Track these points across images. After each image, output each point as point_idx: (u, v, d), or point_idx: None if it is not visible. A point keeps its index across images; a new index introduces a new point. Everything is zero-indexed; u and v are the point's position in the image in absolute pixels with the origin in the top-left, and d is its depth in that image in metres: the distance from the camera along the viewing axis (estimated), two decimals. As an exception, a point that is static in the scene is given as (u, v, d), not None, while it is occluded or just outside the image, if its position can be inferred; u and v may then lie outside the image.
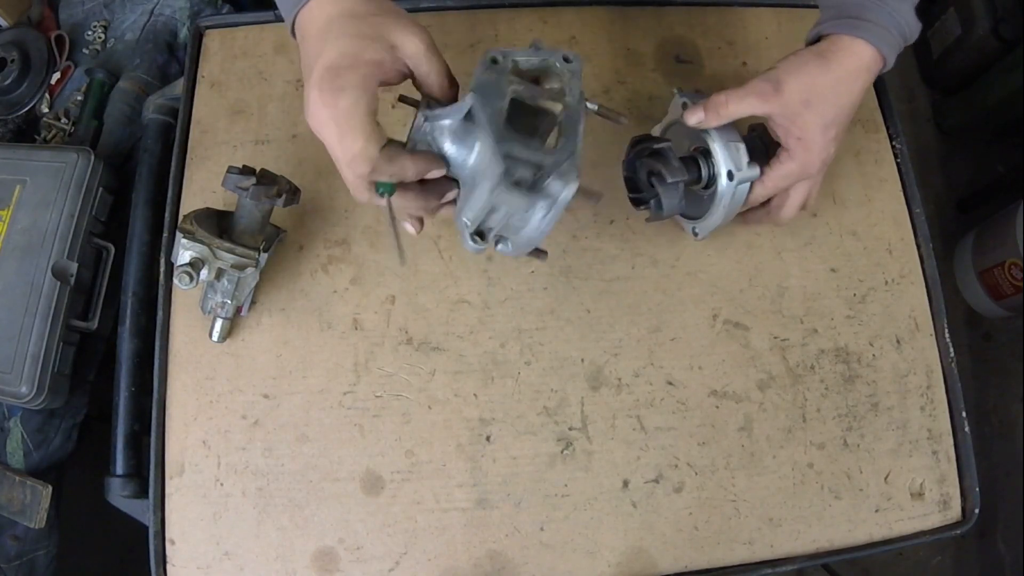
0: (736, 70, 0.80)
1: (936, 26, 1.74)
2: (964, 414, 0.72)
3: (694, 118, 0.59)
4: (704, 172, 0.63)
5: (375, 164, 0.48)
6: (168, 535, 0.66)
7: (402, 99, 0.54)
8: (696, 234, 0.69)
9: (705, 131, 0.61)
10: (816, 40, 0.59)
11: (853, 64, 0.56)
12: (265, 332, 0.71)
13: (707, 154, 0.63)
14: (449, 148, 0.50)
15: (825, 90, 0.56)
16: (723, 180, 0.61)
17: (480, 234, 0.51)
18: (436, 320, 0.71)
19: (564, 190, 0.48)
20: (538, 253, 0.55)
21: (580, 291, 0.72)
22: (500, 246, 0.53)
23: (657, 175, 0.62)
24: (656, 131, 0.70)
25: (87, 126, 0.86)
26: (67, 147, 0.79)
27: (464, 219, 0.50)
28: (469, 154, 0.50)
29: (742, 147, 0.61)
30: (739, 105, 0.57)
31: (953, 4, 1.66)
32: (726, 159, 0.60)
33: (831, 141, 0.59)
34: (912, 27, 0.57)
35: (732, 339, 0.72)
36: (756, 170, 0.61)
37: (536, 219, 0.50)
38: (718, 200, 0.63)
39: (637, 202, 0.67)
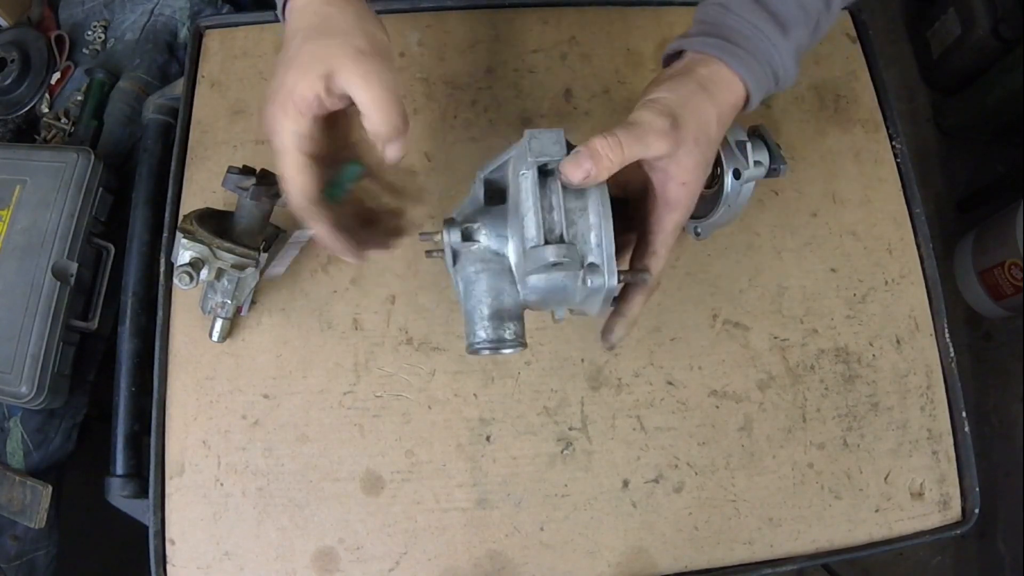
0: (736, 70, 0.80)
1: (936, 26, 1.74)
2: (964, 414, 0.72)
3: (579, 173, 0.45)
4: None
5: (299, 208, 0.49)
6: (168, 535, 0.66)
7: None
8: (698, 234, 0.69)
9: None
10: (676, 54, 0.52)
11: (731, 101, 0.49)
12: (265, 332, 0.71)
13: None
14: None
15: (711, 128, 0.48)
16: (728, 178, 0.60)
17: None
18: (436, 320, 0.71)
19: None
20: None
21: (580, 291, 0.72)
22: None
23: None
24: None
25: (87, 126, 0.86)
26: (67, 147, 0.79)
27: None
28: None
29: (748, 145, 0.60)
30: (636, 148, 0.46)
31: (953, 4, 1.66)
32: (732, 157, 0.60)
33: (699, 183, 0.50)
34: (789, 73, 0.50)
35: (732, 339, 0.72)
36: (762, 169, 0.60)
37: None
38: (723, 199, 0.62)
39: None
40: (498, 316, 0.49)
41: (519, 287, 0.49)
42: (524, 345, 0.50)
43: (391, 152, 0.49)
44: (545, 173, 0.47)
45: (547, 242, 0.45)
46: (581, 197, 0.47)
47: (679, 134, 0.47)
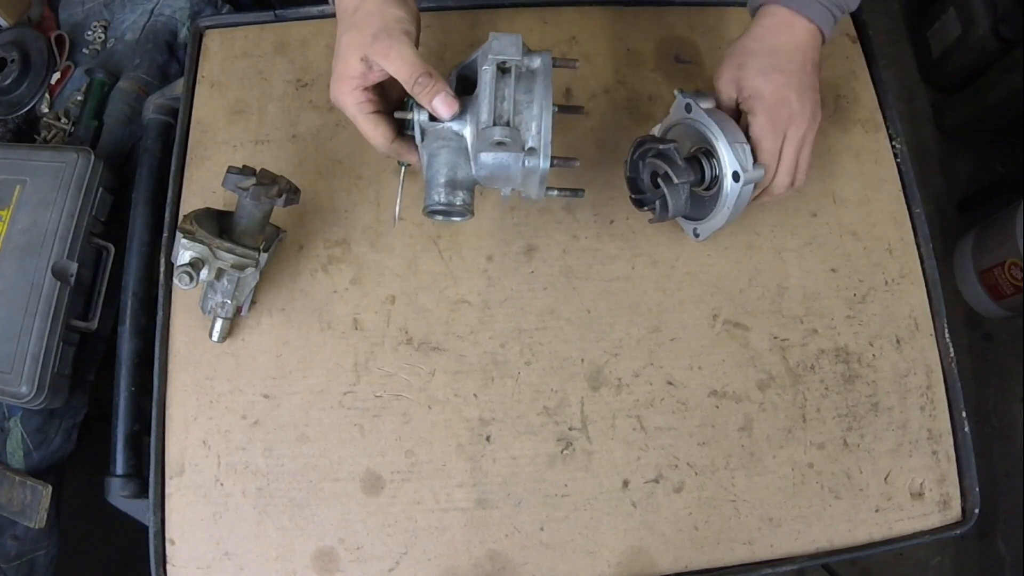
0: (736, 70, 0.80)
1: (936, 26, 1.74)
2: (964, 414, 0.72)
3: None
4: (708, 173, 0.63)
5: (386, 152, 0.63)
6: (168, 535, 0.66)
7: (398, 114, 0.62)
8: (697, 235, 0.69)
9: (711, 131, 0.61)
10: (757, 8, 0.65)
11: (771, 21, 0.63)
12: (265, 332, 0.71)
13: (710, 155, 0.62)
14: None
15: (750, 47, 0.63)
16: (728, 181, 0.61)
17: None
18: (436, 320, 0.71)
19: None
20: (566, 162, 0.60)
21: (580, 291, 0.72)
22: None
23: (663, 176, 0.62)
24: (656, 131, 0.69)
25: (87, 126, 0.86)
26: (67, 147, 0.79)
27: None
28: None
29: (747, 147, 0.61)
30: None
31: (953, 4, 1.66)
32: (732, 160, 0.60)
33: (782, 88, 0.61)
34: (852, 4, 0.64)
35: (732, 339, 0.72)
36: (761, 171, 0.61)
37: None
38: (723, 201, 0.62)
39: (640, 203, 0.67)
40: (452, 184, 0.59)
41: (472, 164, 0.58)
42: (471, 213, 0.61)
43: (439, 109, 0.58)
44: (503, 70, 0.57)
45: (495, 124, 0.56)
46: (529, 92, 0.57)
47: (727, 73, 0.64)
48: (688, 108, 0.63)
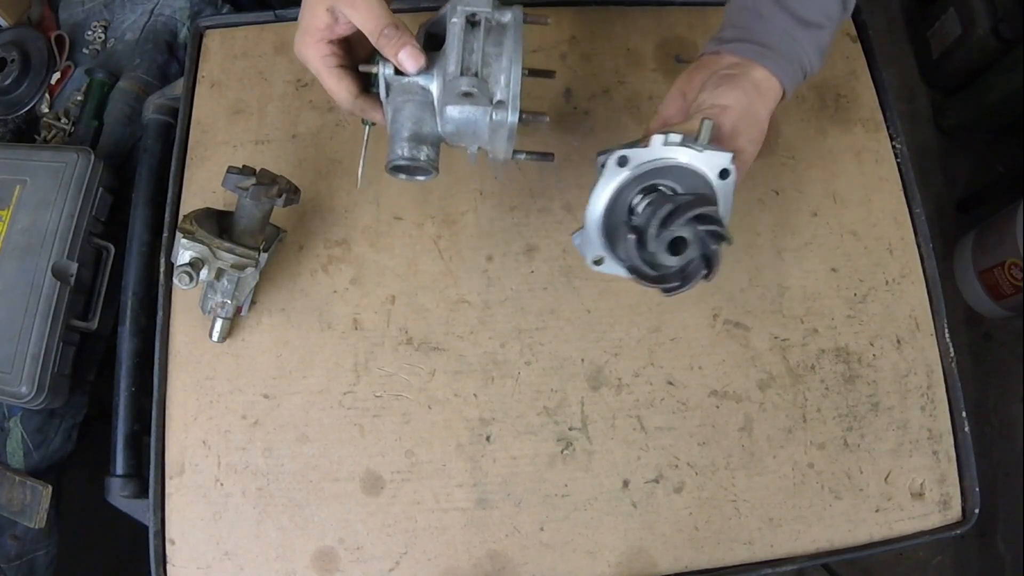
0: (736, 70, 0.80)
1: (936, 26, 1.74)
2: (964, 414, 0.72)
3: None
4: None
5: (350, 109, 0.60)
6: (168, 535, 0.66)
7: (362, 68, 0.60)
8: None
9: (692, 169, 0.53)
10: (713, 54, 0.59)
11: (774, 98, 0.58)
12: (265, 332, 0.71)
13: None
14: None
15: (763, 125, 0.57)
16: (714, 180, 0.54)
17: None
18: (436, 320, 0.71)
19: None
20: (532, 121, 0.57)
21: (580, 291, 0.72)
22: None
23: (714, 235, 0.52)
24: (611, 161, 0.53)
25: (87, 126, 0.86)
26: (67, 147, 0.79)
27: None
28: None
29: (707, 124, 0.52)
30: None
31: (953, 4, 1.66)
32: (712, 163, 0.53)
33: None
34: (814, 65, 0.59)
35: (732, 339, 0.72)
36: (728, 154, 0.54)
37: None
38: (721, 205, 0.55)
39: (660, 280, 0.55)
40: (416, 138, 0.56)
41: (438, 119, 0.56)
42: (436, 171, 0.58)
43: (405, 63, 0.56)
44: (472, 23, 0.55)
45: (463, 75, 0.54)
46: (499, 45, 0.55)
47: (737, 142, 0.55)
48: (623, 162, 0.52)
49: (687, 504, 0.68)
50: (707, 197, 0.54)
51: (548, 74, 0.65)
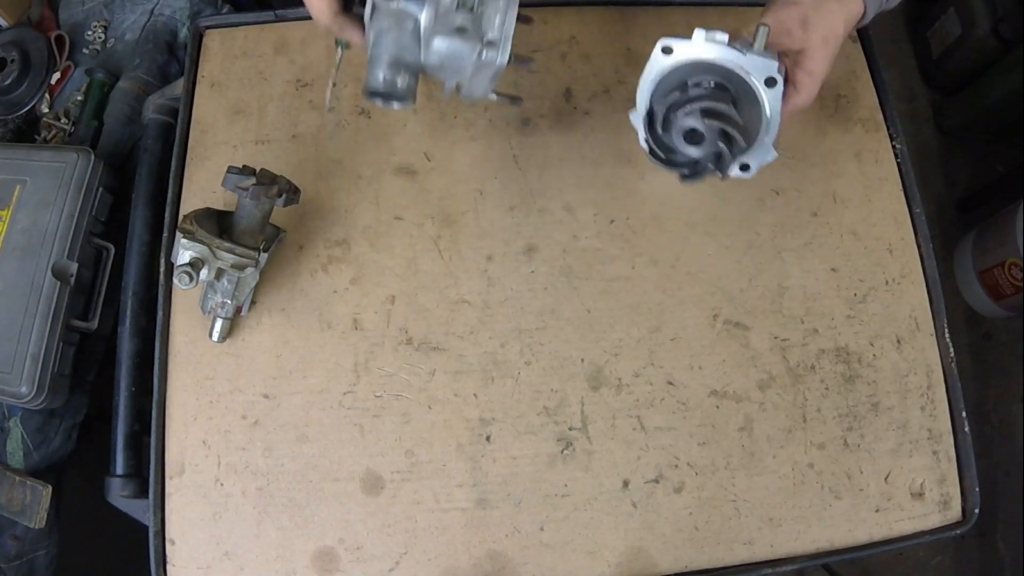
0: (736, 70, 0.80)
1: (936, 26, 1.74)
2: (964, 414, 0.72)
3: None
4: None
5: (327, 25, 0.58)
6: (168, 535, 0.66)
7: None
8: (747, 170, 0.60)
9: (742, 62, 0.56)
10: None
11: (855, 11, 0.60)
12: (265, 332, 0.71)
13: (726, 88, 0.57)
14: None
15: (838, 29, 0.58)
16: (761, 89, 0.55)
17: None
18: (436, 320, 0.71)
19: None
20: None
21: (580, 291, 0.72)
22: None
23: (724, 137, 0.55)
24: (657, 48, 0.60)
25: (87, 126, 0.86)
26: (67, 147, 0.79)
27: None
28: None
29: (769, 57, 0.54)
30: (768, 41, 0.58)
31: (953, 4, 1.66)
32: (760, 70, 0.54)
33: (826, 73, 0.60)
34: None
35: (732, 339, 0.72)
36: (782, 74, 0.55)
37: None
38: (764, 118, 0.56)
39: (670, 163, 0.59)
40: (396, 65, 0.55)
41: (423, 49, 0.55)
42: (413, 100, 0.56)
43: None
44: None
45: (458, 9, 0.53)
46: None
47: (807, 36, 0.57)
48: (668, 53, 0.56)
49: (687, 504, 0.68)
50: (725, 95, 0.56)
51: (528, 61, 0.62)
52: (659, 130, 0.59)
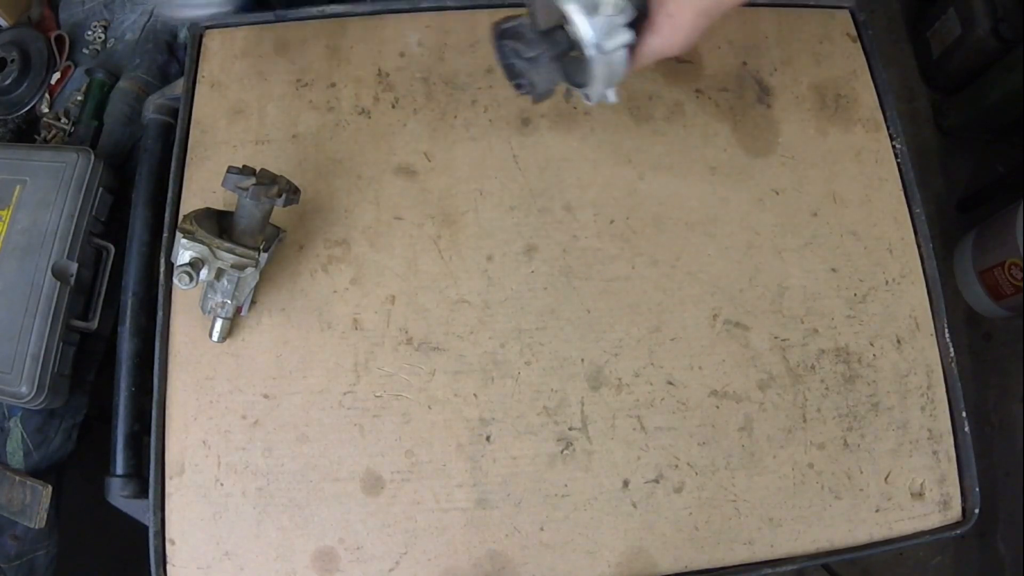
0: (736, 70, 0.80)
1: (936, 26, 1.74)
2: (964, 414, 0.72)
3: None
4: (566, 41, 0.58)
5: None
6: (168, 535, 0.66)
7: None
8: (588, 99, 0.64)
9: None
10: None
11: None
12: (265, 332, 0.71)
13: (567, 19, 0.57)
14: None
15: None
16: (590, 49, 0.56)
17: None
18: (436, 320, 0.71)
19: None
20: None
21: (580, 291, 0.72)
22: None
23: (516, 53, 0.59)
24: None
25: (87, 126, 0.86)
26: (67, 147, 0.79)
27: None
28: None
29: (608, 5, 0.55)
30: None
31: (953, 4, 1.66)
32: (586, 24, 0.55)
33: (698, 30, 0.57)
34: None
35: (732, 339, 0.72)
36: (626, 34, 0.56)
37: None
38: (591, 67, 0.58)
39: (519, 87, 0.63)
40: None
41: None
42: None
43: None
44: None
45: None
46: None
47: None
48: None
49: (687, 504, 0.68)
50: (521, 23, 0.60)
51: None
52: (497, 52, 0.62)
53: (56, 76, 0.90)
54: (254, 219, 0.65)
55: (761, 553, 0.68)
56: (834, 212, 0.77)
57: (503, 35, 0.61)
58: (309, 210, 0.74)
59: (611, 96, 0.62)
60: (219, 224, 0.67)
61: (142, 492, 0.68)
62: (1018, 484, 1.54)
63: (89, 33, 0.93)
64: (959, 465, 0.72)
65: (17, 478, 0.73)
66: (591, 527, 0.67)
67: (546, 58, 0.58)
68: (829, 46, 0.82)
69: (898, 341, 0.74)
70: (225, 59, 0.79)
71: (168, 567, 0.66)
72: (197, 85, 0.78)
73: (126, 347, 0.72)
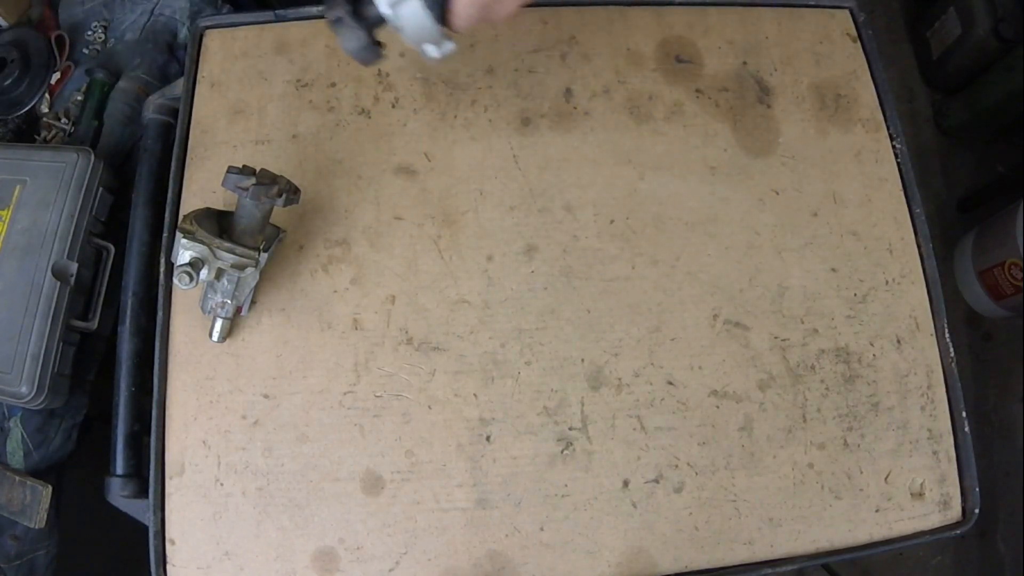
0: (736, 70, 0.80)
1: (936, 26, 1.74)
2: (964, 414, 0.72)
3: None
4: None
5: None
6: (168, 535, 0.66)
7: None
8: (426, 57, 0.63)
9: None
10: None
11: None
12: (265, 332, 0.71)
13: None
14: None
15: None
16: (383, 7, 0.57)
17: None
18: (436, 320, 0.71)
19: None
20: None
21: (580, 291, 0.72)
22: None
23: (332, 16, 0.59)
24: None
25: (87, 126, 0.86)
26: (67, 147, 0.79)
27: None
28: None
29: None
30: None
31: (953, 4, 1.66)
32: None
33: None
34: None
35: (732, 339, 0.72)
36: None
37: None
38: (395, 26, 0.58)
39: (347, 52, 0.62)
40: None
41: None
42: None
43: None
44: None
45: None
46: None
47: None
48: None
49: (687, 504, 0.68)
50: None
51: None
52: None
53: (56, 76, 0.90)
54: (254, 219, 0.65)
55: (761, 553, 0.68)
56: (834, 212, 0.77)
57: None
58: (309, 210, 0.74)
59: (431, 51, 0.61)
60: (219, 224, 0.67)
61: (142, 492, 0.68)
62: (1018, 484, 1.54)
63: (89, 33, 0.93)
64: (959, 465, 0.72)
65: (17, 478, 0.73)
66: (591, 527, 0.67)
67: (349, 19, 0.58)
68: (829, 46, 0.82)
69: (898, 341, 0.74)
70: (225, 59, 0.79)
71: (168, 567, 0.66)
72: (197, 85, 0.78)
73: (126, 347, 0.72)
